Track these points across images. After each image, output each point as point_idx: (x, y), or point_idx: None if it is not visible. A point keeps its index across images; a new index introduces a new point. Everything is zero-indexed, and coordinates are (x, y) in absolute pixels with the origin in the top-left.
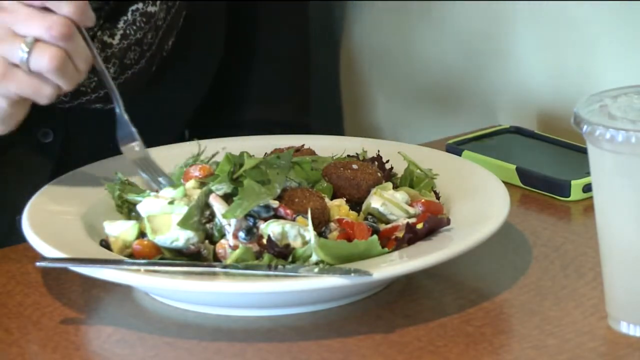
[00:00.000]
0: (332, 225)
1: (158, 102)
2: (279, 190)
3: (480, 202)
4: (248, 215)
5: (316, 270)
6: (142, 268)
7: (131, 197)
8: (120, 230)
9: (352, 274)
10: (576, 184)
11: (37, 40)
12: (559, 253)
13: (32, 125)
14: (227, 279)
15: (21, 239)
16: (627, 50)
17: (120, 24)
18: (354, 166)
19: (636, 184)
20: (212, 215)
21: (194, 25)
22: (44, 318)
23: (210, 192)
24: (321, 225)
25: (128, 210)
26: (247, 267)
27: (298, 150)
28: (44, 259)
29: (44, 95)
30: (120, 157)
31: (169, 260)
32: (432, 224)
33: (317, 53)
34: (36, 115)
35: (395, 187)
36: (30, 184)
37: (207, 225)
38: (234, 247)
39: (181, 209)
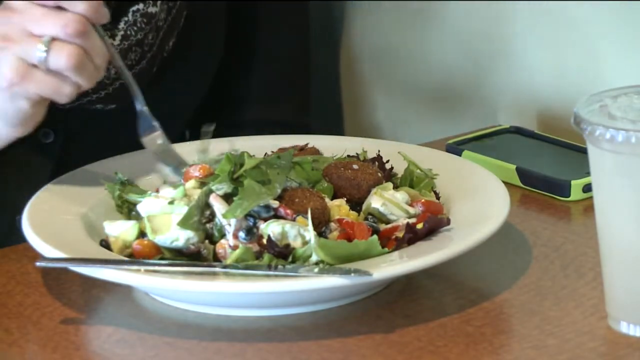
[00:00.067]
0: (332, 225)
1: (158, 102)
2: (279, 190)
3: (480, 202)
4: (248, 215)
5: (316, 270)
6: (142, 268)
7: (131, 197)
8: (120, 230)
9: (352, 274)
10: (576, 184)
11: (53, 39)
12: (559, 253)
13: None
14: (227, 279)
15: (21, 239)
16: (627, 50)
17: (121, 25)
18: (355, 166)
19: (636, 184)
20: (212, 215)
21: (194, 25)
22: (44, 318)
23: (211, 192)
24: (321, 225)
25: (128, 210)
26: (247, 267)
27: (302, 149)
28: (44, 259)
29: (64, 94)
30: (120, 157)
31: (169, 260)
32: (432, 224)
33: (317, 53)
34: None
35: (396, 187)
36: (30, 184)
37: (207, 225)
38: (234, 247)
39: (181, 209)
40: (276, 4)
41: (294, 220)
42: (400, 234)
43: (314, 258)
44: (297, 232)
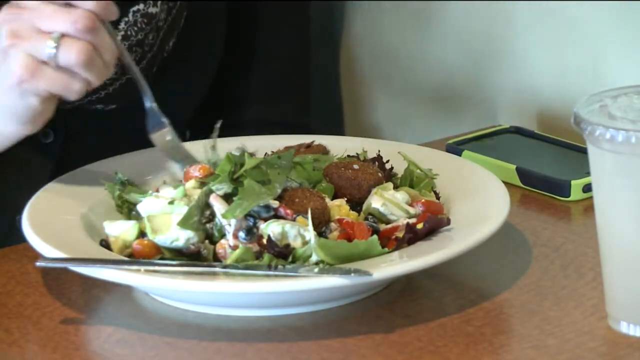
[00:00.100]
0: (333, 225)
1: (158, 103)
2: (279, 190)
3: (480, 202)
4: (248, 215)
5: (316, 270)
6: (142, 268)
7: (131, 197)
8: (120, 230)
9: (352, 274)
10: (576, 184)
11: (63, 35)
12: (559, 253)
13: None
14: (227, 279)
15: (21, 239)
16: (627, 50)
17: (122, 25)
18: (355, 166)
19: (636, 184)
20: (212, 215)
21: (194, 25)
22: (44, 318)
23: (211, 192)
24: (321, 225)
25: (128, 210)
26: (247, 267)
27: (309, 146)
28: (44, 259)
29: (73, 90)
30: (120, 157)
31: (169, 260)
32: (432, 224)
33: (317, 53)
34: None
35: (396, 187)
36: (30, 184)
37: (207, 225)
38: (234, 247)
39: (181, 209)
40: (276, 4)
41: (294, 220)
42: (400, 234)
43: (314, 258)
44: (297, 232)
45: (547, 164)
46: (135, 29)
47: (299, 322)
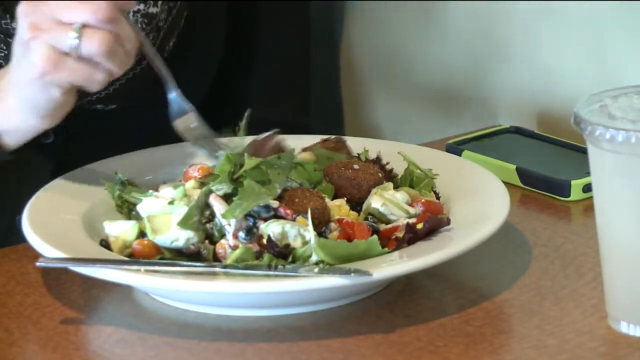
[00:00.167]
0: (332, 225)
1: (158, 103)
2: (279, 191)
3: (480, 202)
4: (248, 215)
5: (316, 270)
6: (142, 268)
7: (131, 197)
8: (120, 230)
9: (352, 274)
10: (576, 184)
11: (84, 26)
12: (559, 253)
13: None
14: (227, 279)
15: (21, 239)
16: (627, 50)
17: None
18: (355, 166)
19: (636, 184)
20: (212, 215)
21: (194, 25)
22: (44, 318)
23: (210, 192)
24: (321, 225)
25: (128, 210)
26: (247, 267)
27: (326, 140)
28: (44, 259)
29: (96, 81)
30: (120, 157)
31: (169, 260)
32: (432, 224)
33: (317, 53)
34: None
35: (396, 187)
36: (30, 184)
37: (207, 225)
38: (234, 247)
39: (181, 209)
40: (276, 4)
41: (294, 220)
42: (400, 234)
43: (314, 258)
44: (297, 232)
45: (547, 164)
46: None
47: (299, 322)
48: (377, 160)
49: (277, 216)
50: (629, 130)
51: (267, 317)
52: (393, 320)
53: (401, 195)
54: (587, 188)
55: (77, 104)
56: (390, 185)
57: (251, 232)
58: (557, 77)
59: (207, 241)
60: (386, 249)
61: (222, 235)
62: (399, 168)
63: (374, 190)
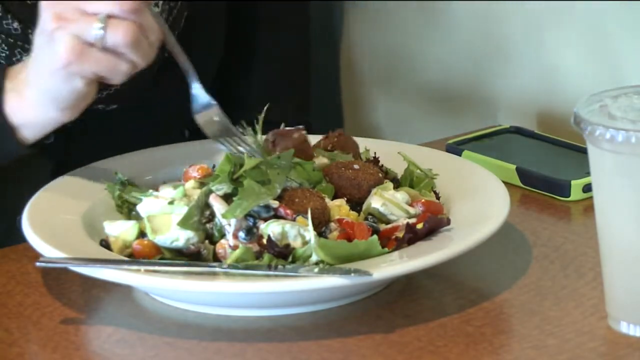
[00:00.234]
0: (332, 225)
1: (158, 102)
2: (279, 191)
3: (480, 202)
4: (248, 215)
5: (316, 270)
6: (142, 268)
7: (131, 197)
8: (120, 230)
9: (352, 274)
10: (576, 184)
11: (108, 16)
12: (559, 253)
13: None
14: (227, 279)
15: (21, 239)
16: (627, 50)
17: None
18: (355, 166)
19: (636, 184)
20: (212, 215)
21: (194, 25)
22: (44, 318)
23: (210, 192)
24: (321, 225)
25: (128, 210)
26: (247, 267)
27: (327, 137)
28: (44, 259)
29: (120, 72)
30: (120, 157)
31: (169, 260)
32: (432, 224)
33: (317, 53)
34: None
35: (396, 187)
36: (30, 184)
37: (207, 225)
38: (234, 247)
39: (181, 209)
40: (276, 4)
41: (294, 220)
42: (400, 234)
43: (314, 258)
44: (297, 232)
45: (547, 164)
46: None
47: (299, 322)
48: (374, 162)
49: (277, 216)
50: (629, 130)
51: (267, 317)
52: (393, 320)
53: (401, 195)
54: (587, 188)
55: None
56: (390, 185)
57: (251, 232)
58: (557, 77)
59: (207, 241)
60: (386, 249)
61: (222, 235)
62: (399, 168)
63: (374, 190)
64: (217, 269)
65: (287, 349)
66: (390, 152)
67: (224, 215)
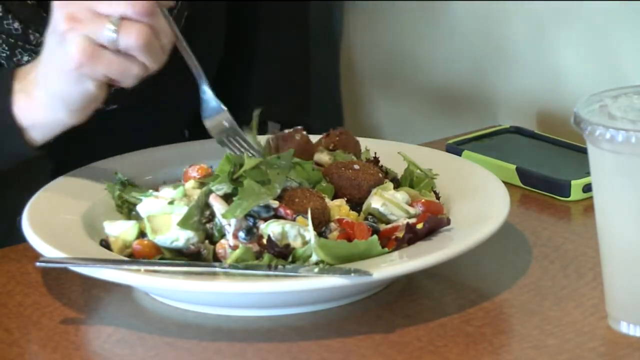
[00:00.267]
0: (332, 225)
1: (158, 102)
2: (279, 191)
3: (480, 202)
4: (248, 215)
5: (316, 270)
6: (142, 268)
7: (132, 197)
8: (120, 230)
9: (352, 274)
10: (576, 184)
11: (121, 18)
12: (559, 253)
13: None
14: (227, 279)
15: (21, 239)
16: (627, 50)
17: None
18: (355, 166)
19: (636, 184)
20: (212, 215)
21: (194, 25)
22: (44, 318)
23: (210, 192)
24: (321, 225)
25: (128, 210)
26: (247, 267)
27: (328, 135)
28: (44, 259)
29: (131, 74)
30: (120, 157)
31: (169, 260)
32: (432, 224)
33: (317, 53)
34: None
35: (396, 187)
36: (30, 184)
37: (207, 225)
38: (234, 247)
39: (181, 209)
40: (276, 4)
41: (294, 220)
42: (400, 234)
43: (314, 258)
44: (297, 232)
45: (547, 164)
46: None
47: (299, 322)
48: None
49: (277, 216)
50: (629, 130)
51: (267, 317)
52: (393, 320)
53: (401, 195)
54: (587, 188)
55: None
56: (390, 185)
57: (251, 232)
58: (557, 77)
59: (207, 241)
60: (386, 249)
61: (222, 235)
62: (399, 168)
63: (374, 191)
64: (217, 269)
65: (287, 349)
66: (390, 152)
67: (224, 215)
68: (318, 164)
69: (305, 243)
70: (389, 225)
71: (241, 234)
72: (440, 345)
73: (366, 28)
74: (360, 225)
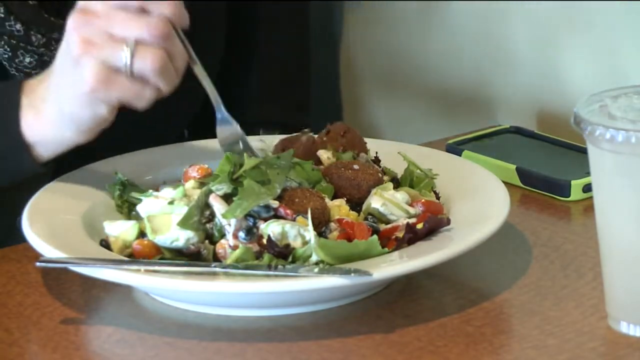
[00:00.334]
0: (332, 225)
1: (158, 103)
2: (279, 191)
3: (480, 202)
4: (248, 215)
5: (316, 270)
6: (142, 268)
7: (132, 197)
8: (120, 230)
9: (352, 274)
10: (576, 184)
11: (136, 42)
12: (559, 253)
13: None
14: (227, 279)
15: (21, 239)
16: (627, 50)
17: None
18: (355, 166)
19: (636, 184)
20: (212, 215)
21: (194, 25)
22: (44, 318)
23: (210, 192)
24: (321, 225)
25: (128, 210)
26: (247, 267)
27: (328, 132)
28: (44, 259)
29: (144, 98)
30: (120, 157)
31: (169, 260)
32: (432, 224)
33: (317, 53)
34: None
35: (396, 187)
36: (30, 184)
37: (207, 225)
38: (234, 247)
39: (181, 209)
40: (276, 4)
41: (294, 220)
42: (400, 234)
43: (314, 258)
44: (297, 232)
45: (547, 164)
46: None
47: (299, 322)
48: (377, 161)
49: (277, 216)
50: (629, 130)
51: (267, 317)
52: (393, 320)
53: (401, 195)
54: (587, 188)
55: None
56: (390, 185)
57: (251, 232)
58: (557, 77)
59: (207, 241)
60: (386, 249)
61: (222, 235)
62: (399, 168)
63: (373, 191)
64: (217, 269)
65: (287, 349)
66: (390, 152)
67: (224, 215)
68: (318, 162)
69: (305, 243)
70: (389, 225)
71: (241, 234)
72: (440, 345)
73: (366, 28)
74: (360, 225)
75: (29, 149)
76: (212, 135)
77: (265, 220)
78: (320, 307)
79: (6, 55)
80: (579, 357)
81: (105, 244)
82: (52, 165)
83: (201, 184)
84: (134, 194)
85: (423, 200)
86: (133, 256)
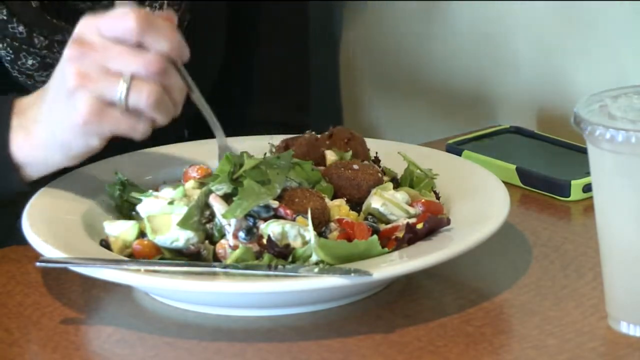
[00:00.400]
0: (332, 225)
1: None
2: (279, 191)
3: (480, 202)
4: (248, 215)
5: (316, 270)
6: (142, 268)
7: (132, 197)
8: (120, 230)
9: (352, 274)
10: (576, 184)
11: (132, 77)
12: (559, 253)
13: None
14: (227, 279)
15: (21, 239)
16: (627, 50)
17: None
18: (355, 166)
19: (636, 184)
20: (212, 215)
21: (194, 26)
22: (44, 318)
23: (210, 192)
24: (321, 225)
25: (128, 210)
26: (247, 267)
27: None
28: (44, 259)
29: (138, 131)
30: (120, 157)
31: (169, 260)
32: (432, 224)
33: (317, 53)
34: None
35: (396, 187)
36: (30, 184)
37: (207, 225)
38: (234, 247)
39: (181, 209)
40: (276, 4)
41: (294, 220)
42: (400, 234)
43: (314, 258)
44: (297, 232)
45: (547, 164)
46: None
47: (299, 322)
48: (377, 161)
49: (277, 216)
50: (629, 130)
51: (267, 317)
52: (393, 320)
53: (401, 195)
54: (587, 188)
55: None
56: (390, 185)
57: (251, 232)
58: (557, 77)
59: (207, 241)
60: (386, 249)
61: (222, 235)
62: (399, 168)
63: (373, 191)
64: (217, 269)
65: (287, 349)
66: (390, 152)
67: (224, 215)
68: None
69: (305, 243)
70: (389, 225)
71: (241, 234)
72: (440, 345)
73: (366, 28)
74: (360, 225)
75: (18, 169)
76: (212, 135)
77: (265, 220)
78: (320, 307)
79: (9, 58)
80: (579, 357)
81: (105, 244)
82: (37, 184)
83: (201, 184)
84: (134, 194)
85: (423, 200)
86: (133, 256)
